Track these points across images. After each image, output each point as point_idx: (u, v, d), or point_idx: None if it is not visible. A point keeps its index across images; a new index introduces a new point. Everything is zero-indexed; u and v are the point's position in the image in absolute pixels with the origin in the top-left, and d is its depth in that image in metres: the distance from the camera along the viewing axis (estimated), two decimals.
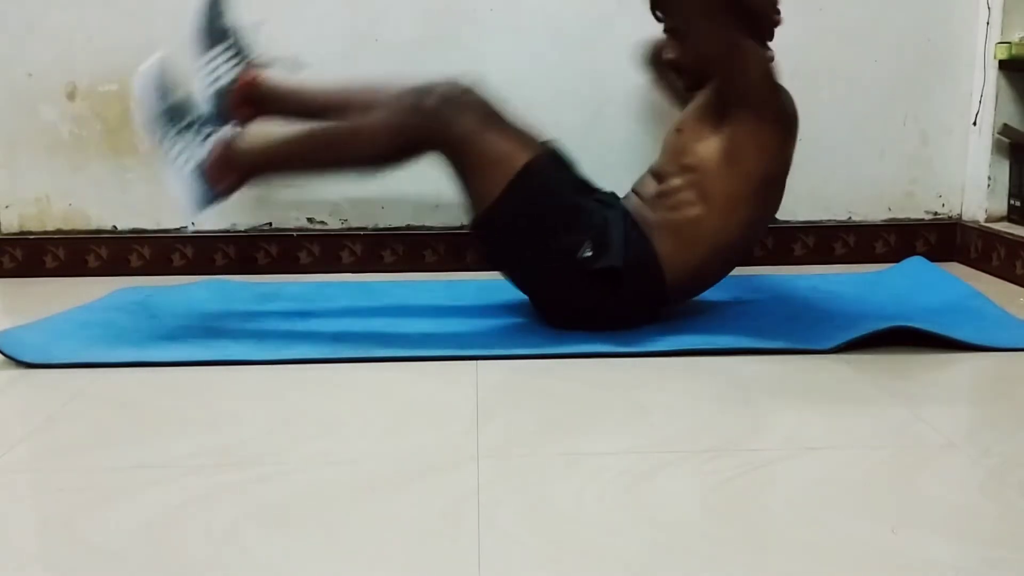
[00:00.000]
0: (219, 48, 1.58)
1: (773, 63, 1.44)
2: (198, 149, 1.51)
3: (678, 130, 1.51)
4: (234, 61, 1.59)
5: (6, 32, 1.98)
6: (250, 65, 1.61)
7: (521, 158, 1.43)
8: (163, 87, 1.53)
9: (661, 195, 1.48)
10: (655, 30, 1.59)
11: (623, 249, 1.43)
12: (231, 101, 1.58)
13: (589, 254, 1.42)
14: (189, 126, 1.52)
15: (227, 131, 1.55)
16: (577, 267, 1.42)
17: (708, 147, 1.44)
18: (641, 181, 1.57)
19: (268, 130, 1.56)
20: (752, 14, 1.43)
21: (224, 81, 1.58)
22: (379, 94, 1.50)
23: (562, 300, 1.49)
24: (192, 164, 1.50)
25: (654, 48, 1.74)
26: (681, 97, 1.69)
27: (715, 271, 1.53)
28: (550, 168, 1.47)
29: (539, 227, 1.45)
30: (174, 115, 1.52)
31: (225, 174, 1.51)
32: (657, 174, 1.52)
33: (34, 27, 1.98)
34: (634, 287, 1.46)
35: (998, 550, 0.83)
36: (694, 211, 1.44)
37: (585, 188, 1.54)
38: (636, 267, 1.44)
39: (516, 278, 1.53)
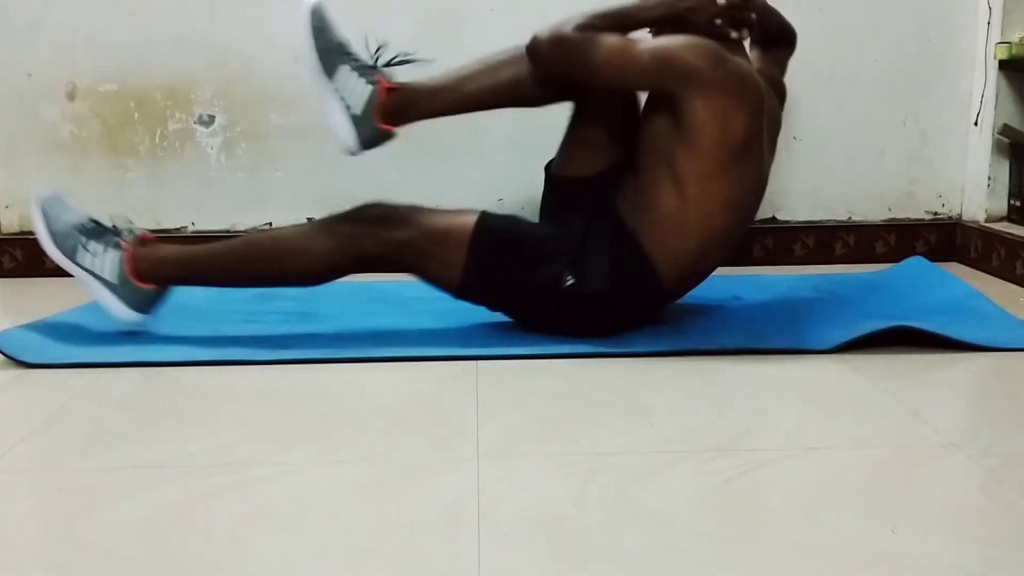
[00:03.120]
0: (341, 69, 1.46)
1: (668, 44, 1.41)
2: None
3: (642, 122, 1.49)
4: (360, 76, 1.47)
5: (6, 32, 1.98)
6: (379, 73, 1.49)
7: (468, 221, 1.44)
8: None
9: (638, 192, 1.47)
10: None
11: (606, 268, 1.42)
12: (376, 118, 1.47)
13: (571, 281, 1.42)
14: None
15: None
16: (565, 296, 1.42)
17: (668, 133, 1.42)
18: (624, 178, 1.55)
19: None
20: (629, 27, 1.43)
21: (360, 100, 1.46)
22: (506, 58, 1.49)
23: (565, 325, 1.47)
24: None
25: None
26: None
27: (709, 259, 1.50)
28: (500, 219, 1.49)
29: (516, 272, 1.44)
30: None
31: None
32: (634, 169, 1.50)
33: (34, 27, 1.98)
34: (631, 295, 1.45)
35: (998, 550, 0.83)
36: (672, 202, 1.42)
37: (550, 218, 1.54)
38: (629, 277, 1.44)
39: (517, 319, 1.54)
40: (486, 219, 1.46)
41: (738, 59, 1.44)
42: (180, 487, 0.96)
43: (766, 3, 1.60)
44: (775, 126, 1.58)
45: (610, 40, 1.40)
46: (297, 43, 1.46)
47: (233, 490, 0.96)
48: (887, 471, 0.99)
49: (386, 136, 1.50)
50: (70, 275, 2.01)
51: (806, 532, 0.86)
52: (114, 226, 1.53)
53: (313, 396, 1.26)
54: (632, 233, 1.45)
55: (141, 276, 1.49)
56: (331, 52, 1.47)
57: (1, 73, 1.99)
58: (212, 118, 2.03)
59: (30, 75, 2.00)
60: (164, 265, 1.51)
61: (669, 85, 1.40)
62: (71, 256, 1.49)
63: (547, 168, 1.59)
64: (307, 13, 1.46)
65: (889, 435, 1.09)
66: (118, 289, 1.48)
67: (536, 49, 1.44)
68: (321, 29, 1.47)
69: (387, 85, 1.48)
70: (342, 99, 1.46)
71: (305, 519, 0.89)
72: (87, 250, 1.49)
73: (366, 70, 1.48)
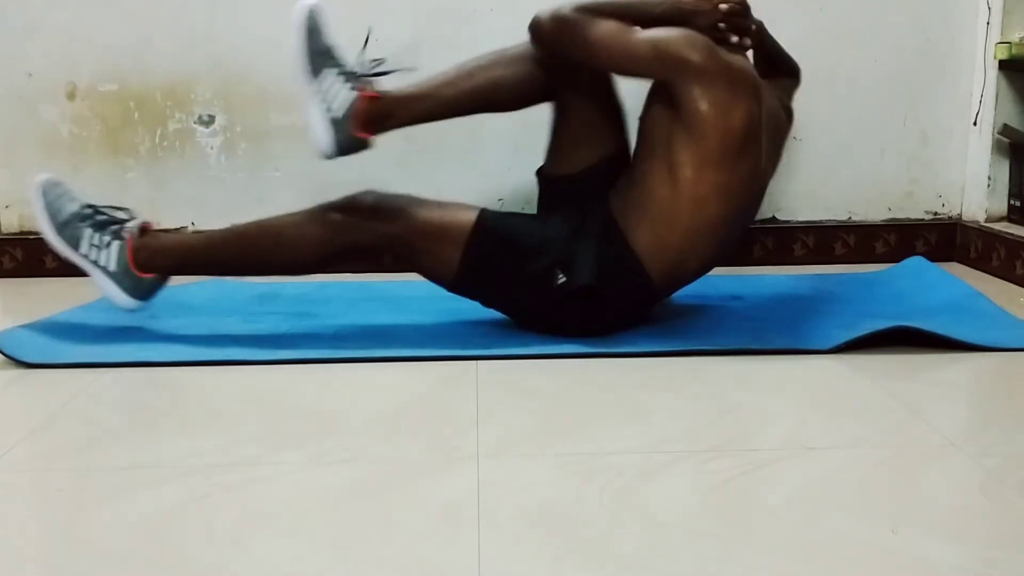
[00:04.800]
0: (326, 72, 1.48)
1: (666, 35, 1.41)
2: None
3: (641, 116, 1.50)
4: (345, 81, 1.48)
5: (6, 32, 1.98)
6: (363, 81, 1.49)
7: (467, 219, 1.46)
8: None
9: (631, 184, 1.47)
10: None
11: (593, 266, 1.42)
12: (354, 124, 1.47)
13: (563, 279, 1.42)
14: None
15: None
16: (557, 294, 1.43)
17: (667, 123, 1.43)
18: (616, 172, 1.55)
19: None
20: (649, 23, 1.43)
21: (341, 105, 1.47)
22: (484, 63, 1.51)
23: (557, 323, 1.48)
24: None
25: None
26: None
27: (698, 255, 1.47)
28: (498, 217, 1.50)
29: (510, 270, 1.45)
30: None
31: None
32: (631, 164, 1.52)
33: (34, 27, 1.98)
34: (619, 292, 1.45)
35: (998, 550, 0.83)
36: (664, 190, 1.42)
37: (546, 219, 1.55)
38: (615, 274, 1.43)
39: (511, 315, 1.55)
40: (485, 219, 1.47)
41: (735, 56, 1.44)
42: (180, 487, 0.96)
43: (765, 30, 1.62)
44: (778, 132, 1.58)
45: (607, 24, 1.42)
46: (290, 41, 1.47)
47: (233, 490, 0.96)
48: (887, 471, 0.99)
49: (362, 144, 1.50)
50: (70, 275, 2.03)
51: (806, 532, 0.86)
52: (115, 216, 1.56)
53: (313, 396, 1.26)
54: (621, 230, 1.45)
55: (141, 266, 1.52)
56: (319, 55, 1.48)
57: (1, 73, 1.99)
58: (212, 118, 2.03)
59: (30, 75, 2.00)
60: (162, 255, 1.53)
61: (665, 74, 1.42)
62: (75, 247, 1.52)
63: (539, 172, 1.60)
64: (303, 12, 1.48)
65: (889, 435, 1.09)
66: (119, 278, 1.52)
67: (537, 27, 1.46)
68: (314, 30, 1.48)
69: (368, 94, 1.48)
70: (323, 101, 1.47)
71: (305, 519, 0.89)
72: (90, 240, 1.52)
73: (351, 77, 1.49)
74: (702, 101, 1.39)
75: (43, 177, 1.57)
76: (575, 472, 0.99)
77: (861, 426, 1.12)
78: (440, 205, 1.50)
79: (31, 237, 2.05)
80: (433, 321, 1.59)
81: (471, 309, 1.62)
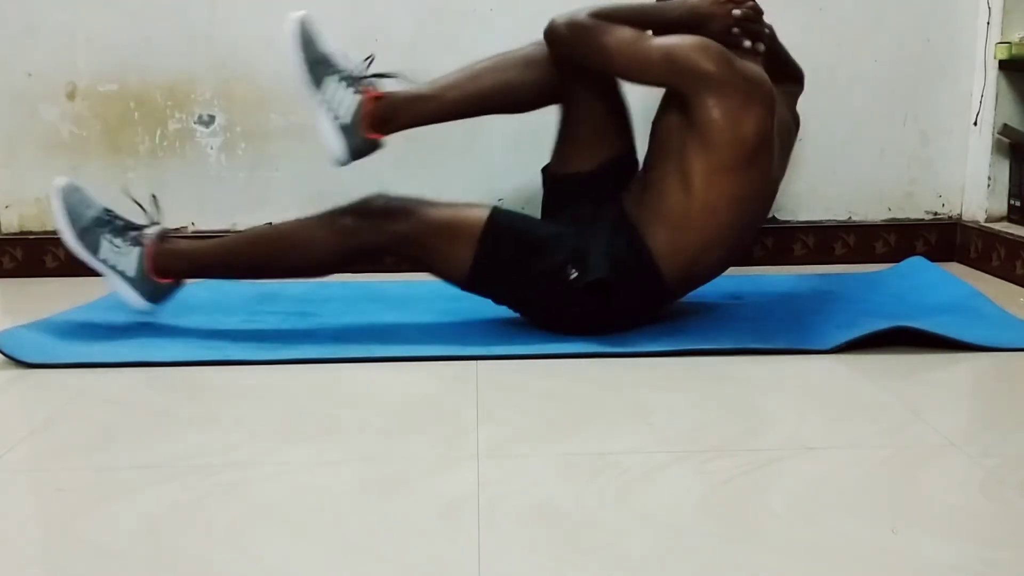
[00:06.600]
0: (328, 80, 1.50)
1: (678, 44, 1.42)
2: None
3: (655, 121, 1.52)
4: (347, 87, 1.50)
5: (6, 32, 1.98)
6: (365, 83, 1.52)
7: (479, 216, 1.47)
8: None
9: (645, 187, 1.49)
10: None
11: (606, 259, 1.43)
12: (363, 127, 1.50)
13: (575, 275, 1.42)
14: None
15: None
16: (569, 289, 1.43)
17: (680, 130, 1.44)
18: (628, 173, 1.58)
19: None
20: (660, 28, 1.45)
21: (347, 111, 1.50)
22: (490, 65, 1.53)
23: (568, 319, 1.49)
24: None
25: None
26: None
27: (711, 259, 1.49)
28: (511, 215, 1.51)
29: (523, 266, 1.46)
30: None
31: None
32: (644, 167, 1.54)
33: (34, 27, 1.98)
34: (631, 289, 1.45)
35: (998, 550, 0.83)
36: (677, 196, 1.44)
37: (554, 217, 1.57)
38: (629, 270, 1.44)
39: (522, 312, 1.55)
40: (497, 216, 1.48)
41: (749, 63, 1.44)
42: (180, 487, 0.96)
43: (775, 36, 1.62)
44: (787, 138, 1.59)
45: (622, 31, 1.43)
46: (286, 54, 1.49)
47: (233, 490, 0.96)
48: (887, 471, 0.99)
49: (374, 146, 1.54)
50: (70, 275, 2.03)
51: (806, 532, 0.86)
52: (133, 222, 1.57)
53: (313, 396, 1.26)
54: (634, 226, 1.46)
55: (158, 271, 1.54)
56: (318, 64, 1.50)
57: (1, 73, 1.99)
58: (212, 118, 2.03)
59: (30, 75, 2.00)
60: (179, 260, 1.55)
61: (678, 83, 1.43)
62: (94, 252, 1.53)
63: (544, 170, 1.61)
64: (295, 25, 1.50)
65: (889, 435, 1.09)
66: (136, 283, 1.53)
67: (553, 31, 1.48)
68: (308, 41, 1.50)
69: (373, 94, 1.51)
70: (330, 110, 1.50)
71: (305, 519, 0.89)
72: (110, 246, 1.53)
73: (353, 80, 1.51)
74: (715, 110, 1.40)
75: (61, 182, 1.54)
76: (575, 472, 0.99)
77: (861, 426, 1.12)
78: (451, 205, 1.50)
79: (31, 237, 2.05)
80: (433, 321, 1.59)
81: (471, 309, 1.62)
